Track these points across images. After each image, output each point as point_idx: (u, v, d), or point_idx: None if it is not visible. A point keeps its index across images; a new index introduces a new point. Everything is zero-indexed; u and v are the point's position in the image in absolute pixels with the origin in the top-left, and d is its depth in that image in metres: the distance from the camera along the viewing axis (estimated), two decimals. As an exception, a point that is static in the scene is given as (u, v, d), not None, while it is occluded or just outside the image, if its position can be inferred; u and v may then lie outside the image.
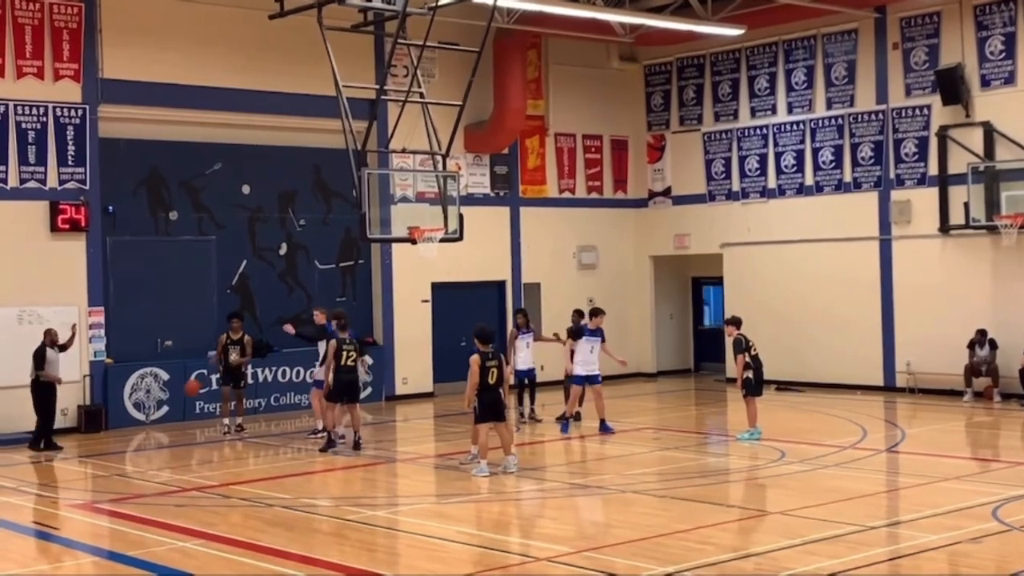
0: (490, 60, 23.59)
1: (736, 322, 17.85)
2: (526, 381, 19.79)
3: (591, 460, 16.26)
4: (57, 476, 16.31)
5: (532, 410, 19.89)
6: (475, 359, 14.46)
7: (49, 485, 15.75)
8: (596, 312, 18.97)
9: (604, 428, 18.29)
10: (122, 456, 17.93)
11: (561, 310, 24.02)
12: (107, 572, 10.95)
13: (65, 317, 19.61)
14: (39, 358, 18.01)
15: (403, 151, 18.79)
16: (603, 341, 18.76)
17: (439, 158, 18.12)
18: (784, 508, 12.41)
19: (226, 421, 19.36)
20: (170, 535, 11.94)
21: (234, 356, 19.26)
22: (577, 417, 18.96)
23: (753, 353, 17.32)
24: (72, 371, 19.64)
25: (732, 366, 25.45)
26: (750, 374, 17.29)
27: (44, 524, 12.97)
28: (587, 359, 18.47)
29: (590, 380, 18.49)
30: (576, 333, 18.65)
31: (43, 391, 18.05)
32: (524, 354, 19.66)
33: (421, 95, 18.11)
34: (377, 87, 18.47)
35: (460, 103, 17.96)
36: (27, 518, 13.38)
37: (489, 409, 14.59)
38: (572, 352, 18.54)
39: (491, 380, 14.45)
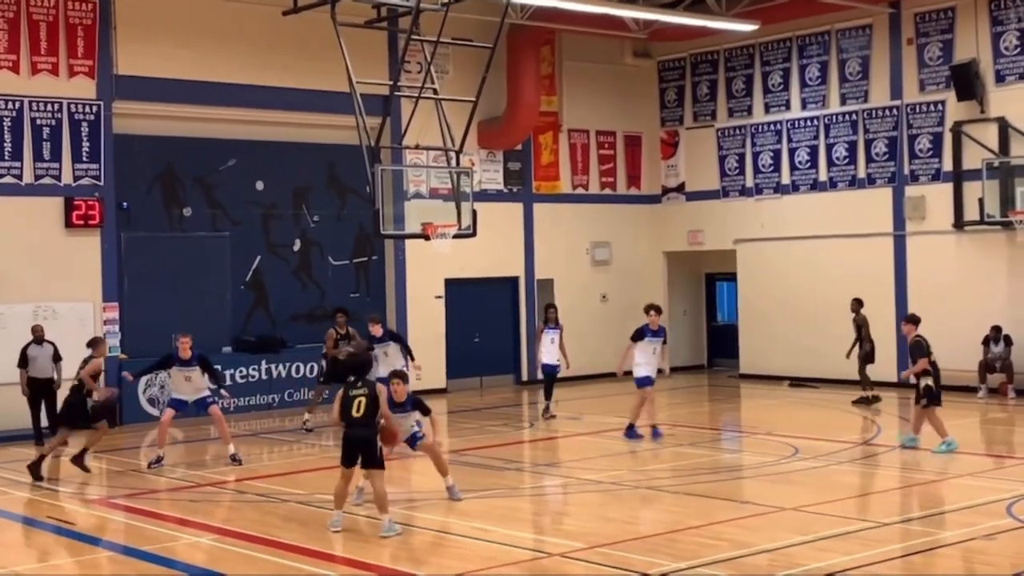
0: (504, 56, 23.59)
1: (915, 320, 16.10)
2: (552, 374, 19.80)
3: (605, 456, 16.26)
4: (71, 471, 16.35)
5: (547, 406, 19.88)
6: (339, 392, 11.96)
7: (63, 480, 15.81)
8: (652, 309, 17.54)
9: (655, 433, 17.43)
10: (136, 451, 17.99)
11: (573, 306, 24.07)
12: (123, 567, 11.00)
13: (80, 313, 19.73)
14: (21, 356, 18.07)
15: (416, 147, 18.79)
16: (664, 342, 17.58)
17: (452, 154, 18.12)
18: (798, 504, 12.40)
19: (307, 416, 19.03)
20: (185, 530, 12.00)
21: (345, 351, 18.81)
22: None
23: (932, 359, 15.66)
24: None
25: (750, 361, 25.60)
26: (931, 381, 15.58)
27: (60, 519, 13.03)
28: (649, 360, 17.35)
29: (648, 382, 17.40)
30: (638, 335, 17.39)
31: (30, 388, 18.10)
32: (549, 349, 19.70)
33: (434, 91, 18.11)
34: (391, 83, 18.50)
35: (474, 99, 17.97)
36: (42, 513, 13.44)
37: (349, 448, 11.76)
38: (632, 354, 17.42)
39: (356, 412, 11.73)
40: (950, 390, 21.32)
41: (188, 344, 16.44)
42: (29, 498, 14.46)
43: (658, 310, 17.63)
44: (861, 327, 21.00)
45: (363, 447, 11.71)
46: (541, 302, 24.26)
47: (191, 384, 16.36)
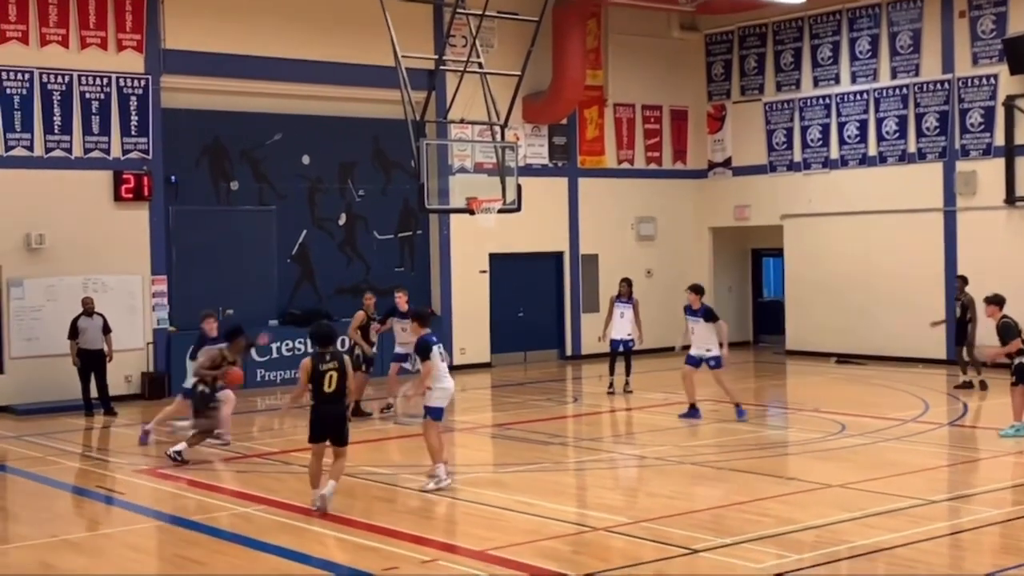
0: (549, 30, 23.47)
1: (999, 301, 15.64)
2: (621, 349, 19.68)
3: (649, 432, 16.23)
4: (121, 442, 16.58)
5: (627, 381, 19.76)
6: (306, 362, 11.45)
7: (114, 451, 16.02)
8: (691, 289, 17.27)
9: (739, 413, 16.79)
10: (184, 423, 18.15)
11: (618, 282, 23.99)
12: (171, 536, 11.13)
13: (129, 286, 19.99)
14: (71, 327, 18.30)
15: (461, 122, 18.78)
16: (707, 319, 16.80)
17: (497, 128, 18.09)
18: (844, 481, 12.33)
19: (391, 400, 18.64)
20: (233, 500, 12.12)
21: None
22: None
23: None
24: (136, 339, 20.01)
25: (796, 337, 25.43)
26: (1023, 360, 15.05)
27: (109, 489, 13.20)
28: (696, 339, 16.98)
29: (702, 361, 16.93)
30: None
31: (80, 359, 18.34)
32: (620, 323, 19.59)
33: (480, 65, 18.07)
34: (436, 57, 18.46)
35: (519, 73, 17.91)
36: (93, 483, 13.62)
37: (320, 425, 11.48)
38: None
39: (327, 387, 11.38)
40: (1000, 368, 21.11)
41: (404, 298, 17.98)
42: (79, 468, 14.66)
43: (695, 290, 17.18)
44: (967, 307, 19.71)
45: (333, 424, 11.43)
46: (586, 277, 24.17)
47: (407, 335, 16.73)
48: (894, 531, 10.19)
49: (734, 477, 12.91)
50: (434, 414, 12.53)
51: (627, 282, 20.03)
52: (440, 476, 12.36)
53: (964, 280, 20.30)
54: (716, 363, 16.75)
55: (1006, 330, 15.22)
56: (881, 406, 17.89)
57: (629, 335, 19.55)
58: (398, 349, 18.11)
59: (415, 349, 12.91)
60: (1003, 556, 9.86)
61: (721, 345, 16.75)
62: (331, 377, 11.33)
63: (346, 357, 11.63)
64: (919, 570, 9.22)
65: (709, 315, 16.87)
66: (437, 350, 12.46)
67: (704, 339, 16.83)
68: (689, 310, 17.09)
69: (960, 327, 19.94)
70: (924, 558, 9.52)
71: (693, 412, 16.94)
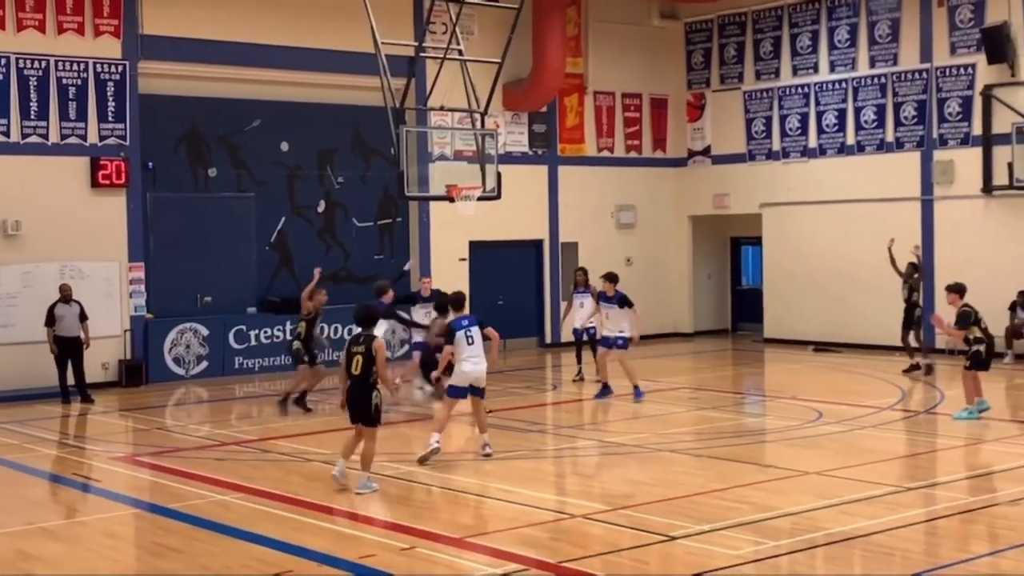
0: (529, 17, 23.44)
1: (960, 290, 15.75)
2: (584, 338, 19.74)
3: (628, 419, 16.27)
4: (98, 429, 16.51)
5: (579, 369, 19.83)
6: (347, 344, 12.08)
7: (90, 438, 15.96)
8: (606, 277, 17.93)
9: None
10: (162, 410, 18.12)
11: (598, 270, 23.95)
12: (148, 524, 11.10)
13: (107, 272, 19.90)
14: (48, 314, 18.21)
15: (441, 109, 18.74)
16: (620, 306, 17.53)
17: (477, 116, 18.05)
18: (821, 468, 12.38)
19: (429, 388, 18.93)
20: (210, 488, 12.08)
21: None
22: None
23: (983, 326, 15.45)
24: (113, 326, 19.92)
25: (775, 325, 25.52)
26: (981, 348, 15.34)
27: (86, 476, 13.15)
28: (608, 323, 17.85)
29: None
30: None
31: (57, 346, 18.25)
32: (580, 313, 19.64)
33: (460, 52, 18.03)
34: (416, 44, 18.42)
35: (499, 61, 17.88)
36: (69, 470, 13.57)
37: (351, 403, 11.91)
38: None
39: (354, 370, 11.77)
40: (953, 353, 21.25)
41: (429, 284, 18.75)
42: (56, 455, 14.61)
43: (610, 278, 17.82)
44: (914, 291, 20.19)
45: (359, 404, 11.80)
46: (566, 265, 24.19)
47: (429, 320, 17.50)
48: (871, 518, 10.25)
49: (712, 464, 12.95)
50: (449, 392, 13.45)
51: (583, 271, 20.25)
52: (431, 443, 12.95)
53: (915, 267, 20.56)
54: (624, 344, 17.60)
55: (964, 318, 15.49)
56: (858, 394, 17.97)
57: (591, 323, 19.62)
58: (416, 338, 18.42)
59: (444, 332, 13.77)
60: (979, 543, 9.92)
61: (631, 336, 17.63)
62: (357, 360, 11.75)
63: (378, 341, 11.90)
64: (895, 557, 9.27)
65: (623, 302, 17.58)
66: (462, 334, 13.15)
67: (617, 323, 17.62)
68: (604, 296, 17.84)
69: (907, 311, 20.33)
70: (901, 545, 9.58)
71: (605, 391, 17.76)
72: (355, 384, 11.79)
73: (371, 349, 11.72)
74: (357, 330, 12.22)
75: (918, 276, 20.31)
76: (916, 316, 20.22)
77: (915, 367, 20.05)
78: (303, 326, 17.11)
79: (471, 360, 13.16)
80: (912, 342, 20.33)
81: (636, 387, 17.51)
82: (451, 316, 13.66)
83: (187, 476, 12.76)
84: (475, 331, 13.25)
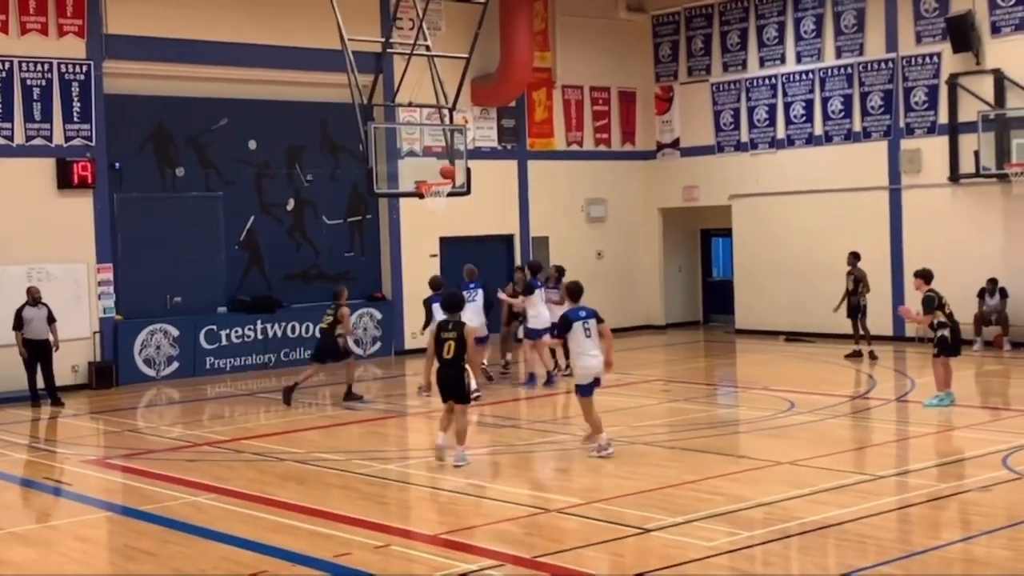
0: (496, 12, 23.39)
1: (926, 276, 15.84)
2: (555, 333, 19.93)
3: (600, 413, 16.25)
4: (68, 432, 16.39)
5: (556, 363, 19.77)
6: (432, 328, 12.99)
7: (61, 441, 15.84)
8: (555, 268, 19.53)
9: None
10: (133, 412, 18.01)
11: (569, 264, 23.97)
12: (120, 527, 11.03)
13: (74, 274, 19.75)
14: (16, 318, 18.07)
15: (409, 105, 18.71)
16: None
17: (446, 112, 18.03)
18: (794, 458, 12.44)
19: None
20: (183, 490, 12.02)
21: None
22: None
23: (948, 311, 15.56)
24: (82, 328, 19.76)
25: (746, 317, 25.62)
26: (946, 333, 15.49)
27: (57, 480, 13.06)
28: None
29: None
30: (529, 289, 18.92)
31: (26, 349, 18.10)
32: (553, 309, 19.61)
33: (427, 48, 18.01)
34: (383, 40, 18.37)
35: (466, 56, 17.87)
36: (40, 474, 13.47)
37: (443, 386, 12.72)
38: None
39: (446, 354, 12.53)
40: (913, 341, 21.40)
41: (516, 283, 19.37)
42: (27, 459, 14.49)
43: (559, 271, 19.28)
44: (860, 281, 20.82)
45: (453, 385, 12.51)
46: (537, 259, 24.11)
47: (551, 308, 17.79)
48: (843, 507, 10.30)
49: (685, 456, 12.99)
50: (577, 392, 13.20)
51: (520, 269, 20.58)
52: (602, 444, 12.89)
53: (856, 256, 20.95)
54: (539, 335, 18.44)
55: (928, 303, 15.68)
56: (829, 383, 18.07)
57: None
58: (531, 324, 18.66)
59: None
60: (951, 529, 10.00)
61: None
62: (449, 345, 12.45)
63: (469, 327, 12.65)
64: (868, 545, 9.32)
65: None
66: (579, 325, 12.84)
67: (555, 314, 17.80)
68: (548, 285, 18.85)
69: (852, 300, 20.80)
70: (873, 533, 9.63)
71: (531, 380, 18.52)
72: (447, 367, 12.50)
73: (463, 334, 12.46)
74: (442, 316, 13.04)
75: (859, 265, 20.85)
76: (861, 304, 20.76)
77: (857, 354, 20.58)
78: (329, 319, 17.49)
79: (590, 355, 12.85)
80: (860, 330, 20.80)
81: (531, 375, 18.62)
82: (567, 305, 13.20)
83: (159, 478, 12.68)
84: (592, 324, 12.87)
